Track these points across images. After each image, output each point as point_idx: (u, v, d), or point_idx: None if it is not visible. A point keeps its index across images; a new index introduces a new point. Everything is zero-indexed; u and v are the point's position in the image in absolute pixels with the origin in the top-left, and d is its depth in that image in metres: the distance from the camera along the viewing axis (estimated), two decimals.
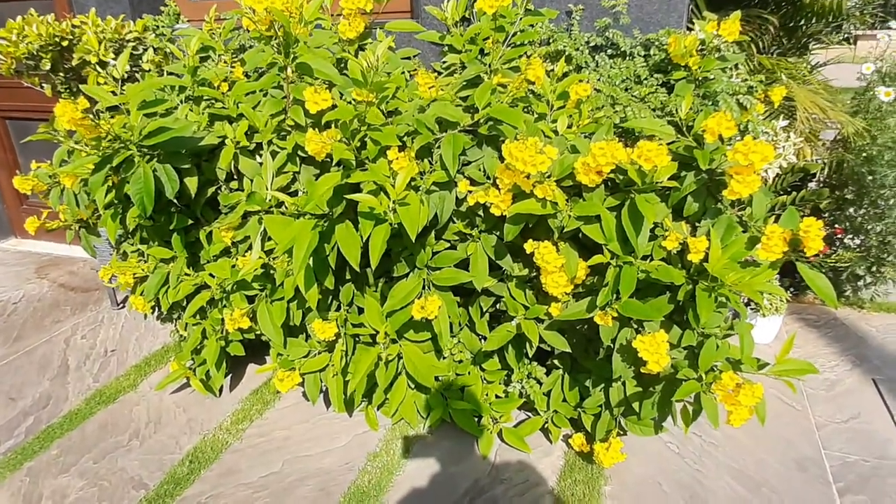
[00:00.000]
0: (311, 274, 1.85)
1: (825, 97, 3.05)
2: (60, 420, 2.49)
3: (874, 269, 2.95)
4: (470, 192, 1.70)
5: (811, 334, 2.91)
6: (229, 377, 2.77)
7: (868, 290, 3.03)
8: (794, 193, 2.83)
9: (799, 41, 3.86)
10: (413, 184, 1.73)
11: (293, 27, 1.73)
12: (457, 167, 1.67)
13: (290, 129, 1.92)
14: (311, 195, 1.57)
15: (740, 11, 2.13)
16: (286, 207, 1.84)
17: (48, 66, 2.72)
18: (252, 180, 2.05)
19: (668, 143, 1.72)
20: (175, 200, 1.99)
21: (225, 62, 2.36)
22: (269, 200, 1.91)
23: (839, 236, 3.08)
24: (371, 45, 1.74)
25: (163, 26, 3.17)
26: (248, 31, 2.29)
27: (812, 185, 3.41)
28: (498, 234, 1.84)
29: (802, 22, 3.62)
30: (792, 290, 3.13)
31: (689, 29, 2.74)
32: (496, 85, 1.80)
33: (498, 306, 2.06)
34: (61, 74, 2.88)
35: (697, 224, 1.65)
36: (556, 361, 2.17)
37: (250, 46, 2.47)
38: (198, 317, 2.48)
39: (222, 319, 2.27)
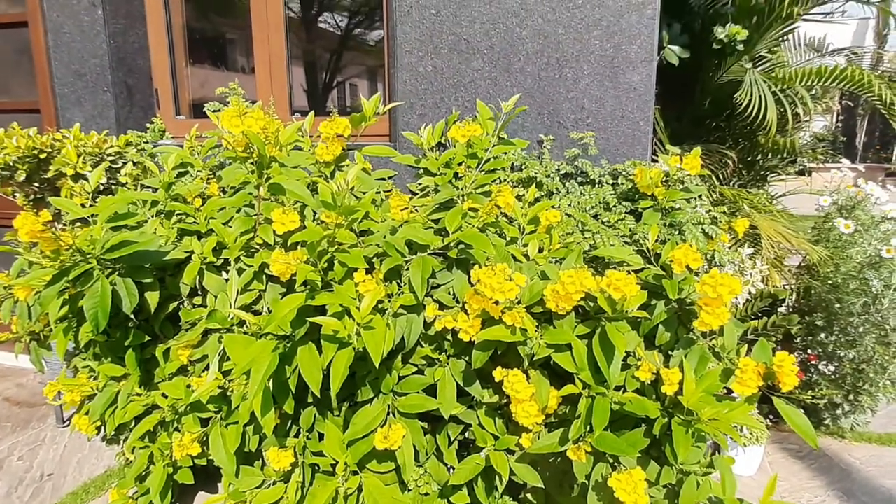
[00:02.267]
0: (268, 397, 1.74)
1: (787, 225, 3.17)
2: None
3: (851, 397, 2.91)
4: (438, 316, 1.65)
5: (795, 465, 2.80)
6: None
7: (847, 419, 2.97)
8: (765, 319, 2.85)
9: (757, 173, 4.08)
10: (380, 306, 1.69)
11: (268, 149, 1.76)
12: (425, 291, 1.64)
13: (258, 246, 1.89)
14: (274, 315, 1.51)
15: (700, 147, 2.25)
16: (248, 326, 1.77)
17: (23, 177, 2.73)
18: (216, 297, 1.99)
19: (637, 272, 1.73)
20: (132, 316, 1.91)
21: (202, 178, 2.38)
22: (232, 319, 1.84)
23: (813, 363, 3.07)
24: (344, 170, 1.78)
25: (145, 142, 3.24)
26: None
27: (781, 310, 3.45)
28: (467, 359, 1.78)
29: (759, 157, 3.85)
30: (771, 417, 3.06)
31: (654, 160, 2.88)
32: (467, 209, 1.82)
33: (467, 434, 1.95)
34: (36, 185, 2.88)
35: (670, 353, 1.62)
36: (528, 496, 2.03)
37: (230, 163, 2.51)
38: (146, 439, 2.31)
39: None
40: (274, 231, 1.79)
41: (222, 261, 2.05)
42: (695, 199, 2.34)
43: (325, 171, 2.21)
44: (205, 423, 2.09)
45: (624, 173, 2.48)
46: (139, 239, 1.83)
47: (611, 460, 1.63)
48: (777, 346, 3.08)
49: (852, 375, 2.90)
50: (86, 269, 1.79)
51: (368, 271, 1.70)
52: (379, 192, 2.30)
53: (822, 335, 3.10)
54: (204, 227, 2.09)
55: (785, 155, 3.74)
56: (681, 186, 2.24)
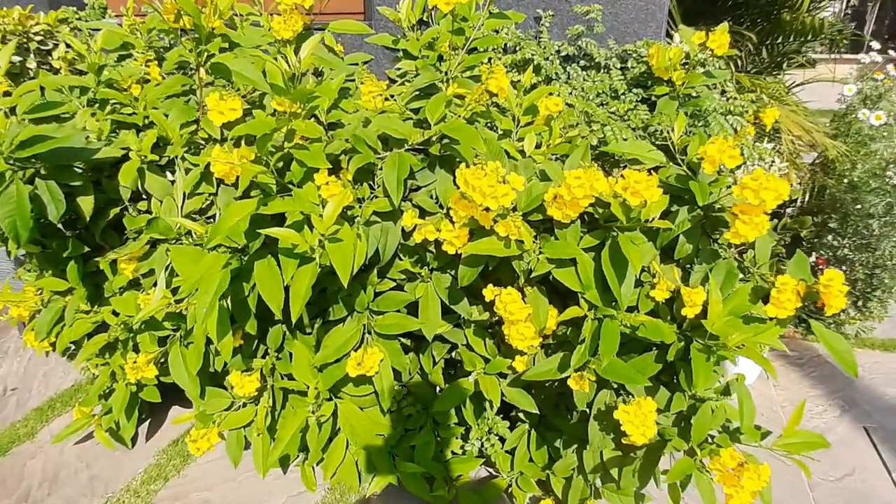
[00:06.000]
0: (225, 318, 1.52)
1: (808, 118, 2.86)
2: None
3: (860, 304, 2.75)
4: (418, 226, 1.39)
5: (794, 373, 2.69)
6: (147, 423, 2.40)
7: (852, 326, 2.84)
8: (775, 221, 2.61)
9: (773, 59, 3.70)
10: (350, 213, 1.42)
11: (207, 20, 1.40)
12: (402, 194, 1.37)
13: (204, 142, 1.59)
14: (218, 226, 1.24)
15: (725, 24, 1.90)
16: (197, 237, 1.51)
17: None
18: (162, 202, 1.71)
19: (652, 170, 1.46)
20: (60, 226, 1.63)
21: (140, 61, 2.01)
22: (179, 228, 1.57)
23: (821, 267, 2.89)
24: (304, 45, 1.44)
25: (83, 20, 2.80)
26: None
27: (789, 210, 3.22)
28: (452, 273, 1.54)
29: (780, 40, 3.46)
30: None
31: (668, 41, 2.51)
32: (452, 96, 1.51)
33: (454, 354, 1.77)
34: None
35: (689, 267, 1.39)
36: (521, 415, 1.88)
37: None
38: (106, 355, 2.11)
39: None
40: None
41: (168, 159, 1.75)
42: (716, 85, 2.02)
43: (286, 51, 1.84)
44: (163, 341, 1.89)
45: (635, 55, 2.14)
46: (57, 133, 1.51)
47: (615, 386, 1.45)
48: (783, 252, 2.88)
49: (864, 281, 2.72)
50: None
51: (334, 171, 1.42)
52: (353, 80, 1.96)
53: (832, 237, 2.90)
54: (142, 120, 1.76)
55: (809, 38, 3.35)
56: (701, 70, 1.92)
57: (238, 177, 1.36)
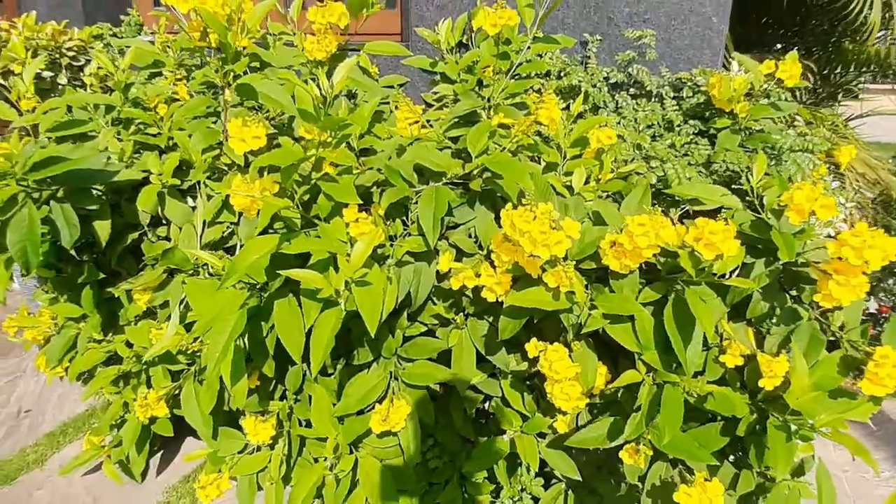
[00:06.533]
0: (240, 361, 1.39)
1: (872, 154, 2.66)
2: None
3: None
4: (453, 270, 1.25)
5: (854, 431, 2.45)
6: (158, 455, 2.29)
7: None
8: None
9: (828, 91, 3.50)
10: (380, 252, 1.29)
11: (234, 38, 1.30)
12: (438, 233, 1.23)
13: (226, 168, 1.48)
14: (235, 265, 1.12)
15: (770, 56, 1.74)
16: (214, 269, 1.40)
17: None
18: (181, 229, 1.61)
19: (713, 211, 1.30)
20: (73, 251, 1.54)
21: (168, 79, 1.93)
22: (196, 259, 1.46)
23: (884, 315, 2.66)
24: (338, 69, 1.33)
25: (118, 36, 2.77)
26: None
27: None
28: (490, 319, 1.39)
29: (839, 70, 3.27)
30: None
31: (725, 69, 2.36)
32: (496, 126, 1.38)
33: (488, 404, 1.61)
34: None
35: (762, 328, 1.21)
36: (557, 472, 1.71)
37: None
38: (121, 383, 2.01)
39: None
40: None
41: (190, 184, 1.65)
42: (782, 119, 1.85)
43: (319, 73, 1.74)
44: (178, 375, 1.77)
45: (690, 84, 1.99)
46: (73, 154, 1.42)
47: (671, 457, 1.27)
48: None
49: None
50: (6, 193, 1.40)
51: (365, 205, 1.29)
52: (387, 103, 1.85)
53: (893, 282, 2.68)
54: (166, 141, 1.67)
55: (870, 68, 3.15)
56: (765, 102, 1.76)
57: (250, 210, 1.24)
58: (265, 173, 1.25)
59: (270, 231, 1.33)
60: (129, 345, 1.79)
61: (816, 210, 1.02)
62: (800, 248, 1.13)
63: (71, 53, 2.41)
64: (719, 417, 1.21)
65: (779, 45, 3.39)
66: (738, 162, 1.41)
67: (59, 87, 2.38)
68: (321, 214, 1.23)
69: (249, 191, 1.12)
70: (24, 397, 2.66)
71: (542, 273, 1.12)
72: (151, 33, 2.90)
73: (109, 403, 2.30)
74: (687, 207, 1.45)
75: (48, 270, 1.76)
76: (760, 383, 1.08)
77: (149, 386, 1.81)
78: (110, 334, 1.88)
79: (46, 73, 2.40)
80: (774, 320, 1.18)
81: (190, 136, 1.63)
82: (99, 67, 2.17)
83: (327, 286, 1.11)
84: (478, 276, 1.21)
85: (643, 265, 1.20)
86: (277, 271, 1.14)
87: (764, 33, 3.55)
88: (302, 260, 1.29)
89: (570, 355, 1.20)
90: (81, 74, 2.38)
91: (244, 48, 1.42)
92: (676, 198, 1.41)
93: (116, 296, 1.82)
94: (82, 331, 1.86)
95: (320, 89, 1.09)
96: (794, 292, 1.21)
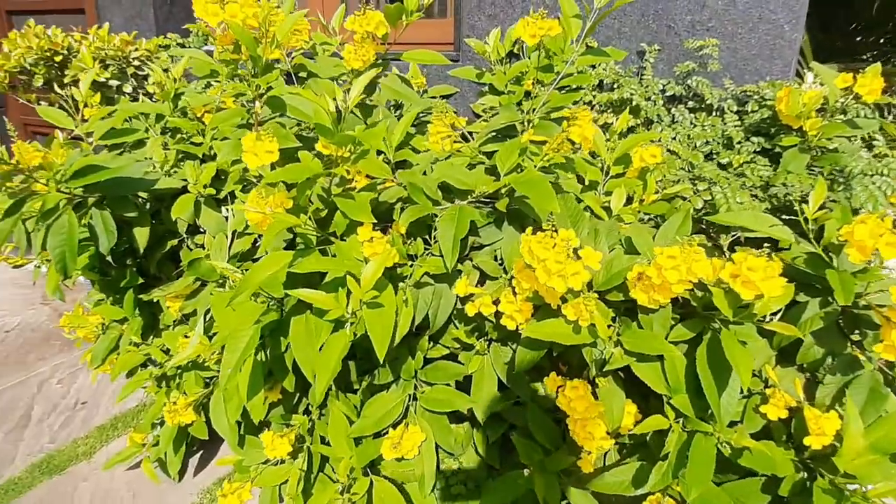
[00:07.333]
0: (258, 375, 1.38)
1: None
2: None
3: None
4: (472, 295, 1.18)
5: None
6: (197, 455, 2.33)
7: None
8: None
9: None
10: (399, 271, 1.24)
11: (263, 50, 1.29)
12: (458, 254, 1.17)
13: (255, 179, 1.48)
14: (246, 280, 1.10)
15: (878, 65, 1.56)
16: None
17: (41, 82, 2.44)
18: (215, 237, 1.62)
19: (769, 243, 1.17)
20: (110, 258, 1.57)
21: (216, 89, 1.97)
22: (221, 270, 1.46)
23: None
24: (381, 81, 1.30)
25: (185, 46, 2.88)
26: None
27: None
28: (514, 346, 1.31)
29: None
30: None
31: (798, 81, 2.17)
32: (528, 143, 1.30)
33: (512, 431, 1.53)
34: (61, 92, 2.59)
35: (816, 376, 1.07)
36: None
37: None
38: (163, 383, 2.06)
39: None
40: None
41: (227, 193, 1.67)
42: (858, 138, 1.67)
43: (354, 82, 1.72)
44: (209, 382, 1.80)
45: (756, 97, 1.83)
46: (112, 163, 1.45)
47: None
48: None
49: None
50: (55, 201, 1.46)
51: (387, 223, 1.25)
52: (428, 114, 1.80)
53: None
54: (206, 151, 1.70)
55: None
56: (841, 118, 1.59)
57: (262, 226, 1.22)
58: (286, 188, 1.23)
59: (290, 246, 1.31)
60: (165, 350, 1.83)
61: (881, 248, 0.88)
62: (861, 288, 0.99)
63: (137, 63, 2.52)
64: (760, 472, 1.08)
65: (866, 55, 3.12)
66: (799, 185, 1.26)
67: (125, 95, 2.50)
68: (337, 231, 1.20)
69: (261, 206, 1.10)
70: (83, 389, 2.78)
71: (562, 304, 1.04)
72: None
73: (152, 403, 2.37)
74: (738, 235, 1.32)
75: (94, 273, 1.82)
76: (806, 441, 0.95)
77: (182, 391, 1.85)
78: (150, 337, 1.93)
79: (113, 82, 2.52)
80: (831, 368, 1.04)
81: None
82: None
83: (337, 307, 1.07)
84: (496, 303, 1.13)
85: (678, 299, 1.09)
86: (286, 291, 1.11)
87: (851, 41, 3.27)
88: (321, 276, 1.26)
89: (593, 392, 1.11)
90: (146, 83, 2.48)
91: (276, 60, 1.41)
92: (723, 224, 1.28)
93: (157, 300, 1.86)
94: (123, 333, 1.91)
95: (337, 104, 1.06)
96: (856, 337, 1.06)
